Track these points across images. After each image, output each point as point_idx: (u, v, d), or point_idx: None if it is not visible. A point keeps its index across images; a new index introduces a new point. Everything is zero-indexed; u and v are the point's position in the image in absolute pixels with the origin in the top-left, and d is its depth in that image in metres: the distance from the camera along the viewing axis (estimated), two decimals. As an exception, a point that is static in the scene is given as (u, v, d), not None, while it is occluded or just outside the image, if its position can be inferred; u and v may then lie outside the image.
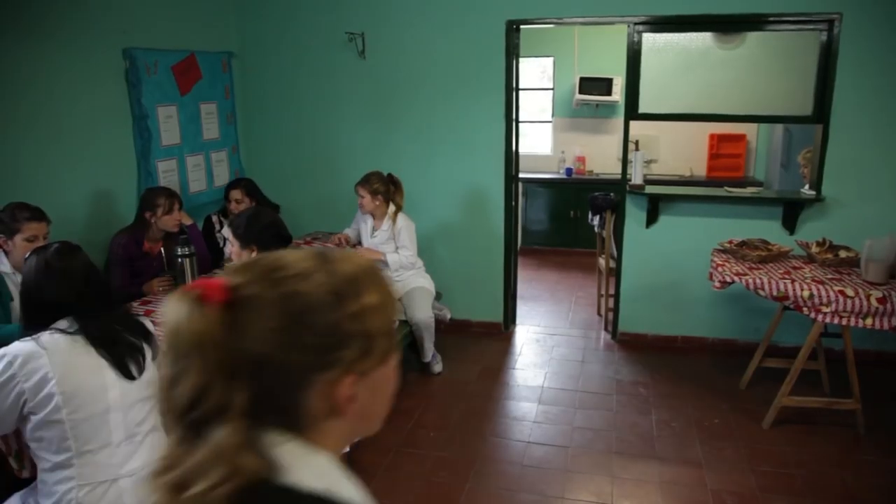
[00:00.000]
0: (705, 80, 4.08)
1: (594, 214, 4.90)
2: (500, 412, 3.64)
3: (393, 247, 3.96)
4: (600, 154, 6.87)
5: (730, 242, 3.82)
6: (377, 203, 3.88)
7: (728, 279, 3.43)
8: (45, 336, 1.75)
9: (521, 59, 4.44)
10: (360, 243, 4.09)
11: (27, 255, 1.90)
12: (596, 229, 4.95)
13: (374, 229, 3.99)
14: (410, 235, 3.97)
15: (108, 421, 1.79)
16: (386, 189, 3.89)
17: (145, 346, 1.93)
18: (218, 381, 0.69)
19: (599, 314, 5.02)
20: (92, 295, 1.86)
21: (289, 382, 0.73)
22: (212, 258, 3.70)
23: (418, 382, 3.96)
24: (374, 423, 0.84)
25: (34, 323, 1.81)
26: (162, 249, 3.37)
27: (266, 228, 2.65)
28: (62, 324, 1.80)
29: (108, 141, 3.60)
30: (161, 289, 3.15)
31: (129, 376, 1.83)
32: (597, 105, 6.78)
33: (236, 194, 3.95)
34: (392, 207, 3.94)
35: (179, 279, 3.02)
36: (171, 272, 3.21)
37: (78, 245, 1.95)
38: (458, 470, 3.06)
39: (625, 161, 4.28)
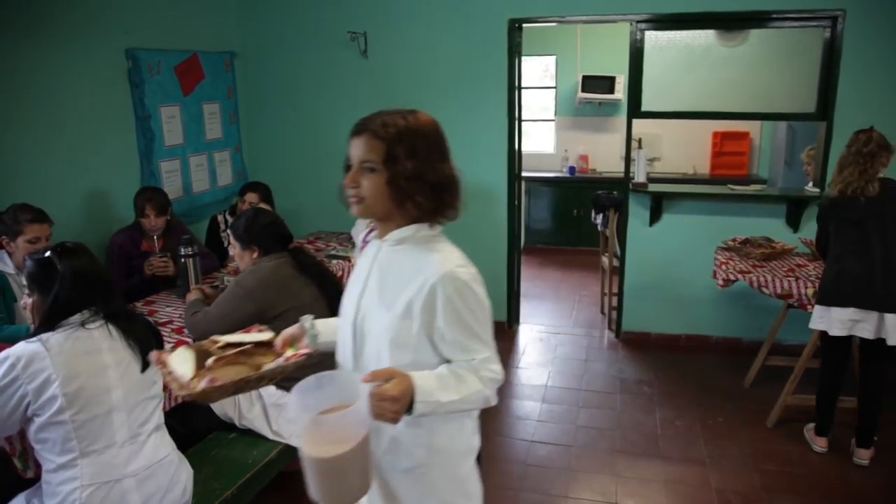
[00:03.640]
0: (708, 77, 4.06)
1: (597, 213, 4.90)
2: (504, 411, 3.63)
3: None
4: (603, 152, 6.86)
5: (733, 240, 3.81)
6: None
7: (732, 277, 3.43)
8: (49, 337, 1.75)
9: (523, 58, 4.44)
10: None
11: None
12: (599, 228, 4.94)
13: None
14: None
15: (112, 421, 1.80)
16: None
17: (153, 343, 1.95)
18: None
19: (603, 313, 5.01)
20: (104, 294, 1.87)
21: None
22: (217, 258, 3.68)
23: (421, 382, 3.96)
24: None
25: (53, 325, 1.79)
26: (161, 244, 3.34)
27: (266, 228, 2.63)
28: (76, 318, 1.80)
29: (111, 141, 3.61)
30: (153, 270, 3.14)
31: (145, 366, 1.87)
32: (599, 103, 6.77)
33: (252, 197, 3.74)
34: None
35: (182, 280, 3.01)
36: (164, 253, 3.20)
37: (83, 245, 1.95)
38: (461, 469, 3.06)
39: (628, 159, 4.27)
